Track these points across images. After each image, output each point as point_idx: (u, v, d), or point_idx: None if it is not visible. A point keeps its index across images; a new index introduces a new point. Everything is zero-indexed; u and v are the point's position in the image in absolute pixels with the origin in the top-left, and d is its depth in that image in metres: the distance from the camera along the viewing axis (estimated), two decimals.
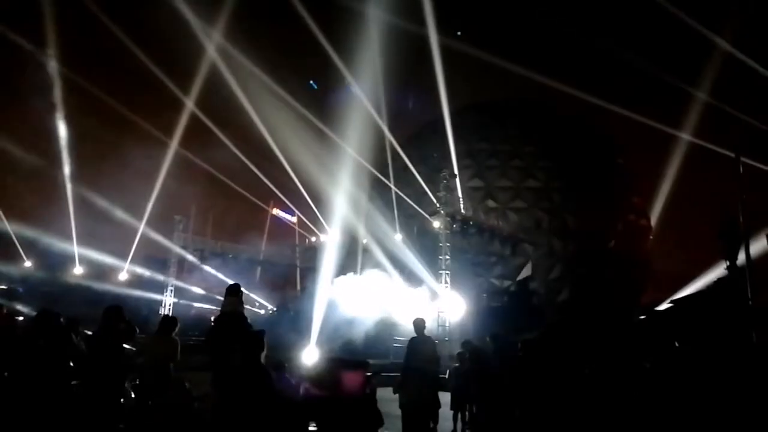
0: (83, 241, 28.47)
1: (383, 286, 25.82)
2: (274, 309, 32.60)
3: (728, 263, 14.14)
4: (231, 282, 6.47)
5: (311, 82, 28.50)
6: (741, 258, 13.89)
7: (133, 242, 29.12)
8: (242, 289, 6.28)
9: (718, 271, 17.25)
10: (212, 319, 31.01)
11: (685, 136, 27.91)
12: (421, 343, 7.80)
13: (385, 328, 23.37)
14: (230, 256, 31.05)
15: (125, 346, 6.40)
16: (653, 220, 33.97)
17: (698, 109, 26.76)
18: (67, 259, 29.01)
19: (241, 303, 6.15)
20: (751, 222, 13.59)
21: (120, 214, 28.02)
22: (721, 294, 15.14)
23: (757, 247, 14.65)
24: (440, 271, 24.64)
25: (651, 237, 34.70)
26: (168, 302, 27.88)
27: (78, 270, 29.42)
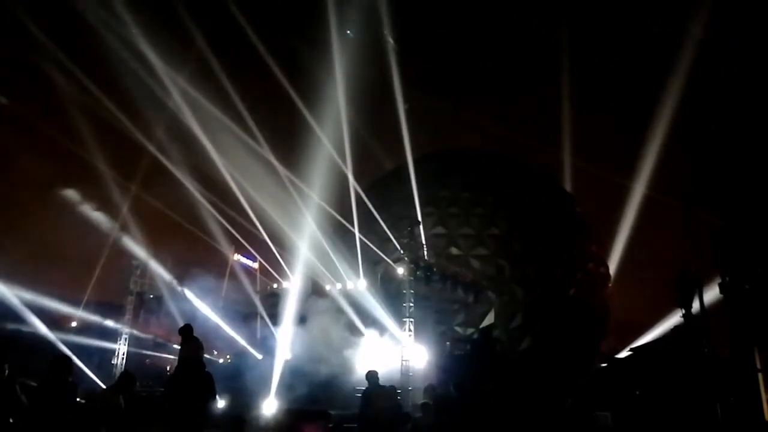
0: (31, 285, 27.25)
1: (345, 334, 25.48)
2: (233, 357, 31.68)
3: (684, 311, 14.46)
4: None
5: (348, 32, 28.04)
6: (695, 306, 14.25)
7: (86, 287, 28.12)
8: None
9: (675, 318, 17.67)
10: (168, 369, 29.96)
11: (641, 187, 28.95)
12: (375, 393, 7.70)
13: (347, 377, 22.92)
14: (189, 302, 30.23)
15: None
16: (611, 269, 34.70)
17: (652, 160, 27.90)
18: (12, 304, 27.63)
19: (201, 346, 5.94)
20: (704, 271, 14.03)
21: (73, 258, 27.09)
22: (678, 342, 15.43)
23: (710, 295, 15.10)
24: (404, 319, 24.47)
25: (609, 285, 35.36)
26: (121, 351, 26.78)
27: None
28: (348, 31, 28.13)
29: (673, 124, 26.17)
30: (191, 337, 5.91)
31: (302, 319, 26.97)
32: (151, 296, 29.18)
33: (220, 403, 16.52)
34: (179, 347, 6.01)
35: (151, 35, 25.24)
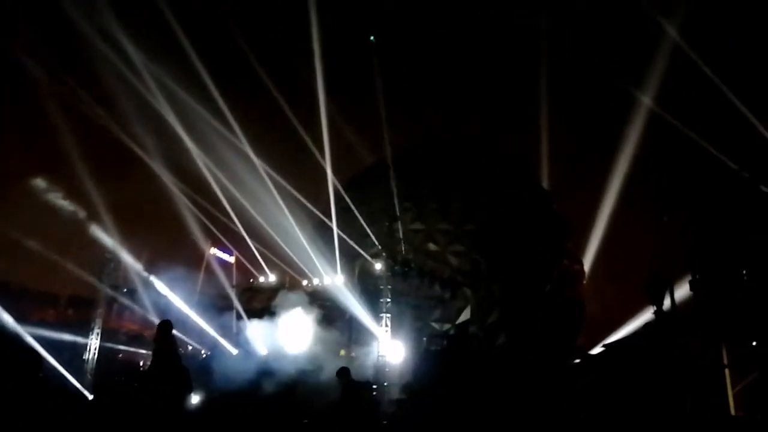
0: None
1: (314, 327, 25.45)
2: (208, 352, 31.38)
3: (655, 308, 14.73)
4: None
5: (371, 37, 27.68)
6: (667, 303, 14.53)
7: (57, 280, 27.55)
8: (174, 330, 6.01)
9: (647, 315, 17.99)
10: (141, 364, 29.54)
11: (616, 184, 29.33)
12: (350, 389, 7.76)
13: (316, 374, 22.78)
14: (164, 296, 29.78)
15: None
16: (586, 266, 35.18)
17: (628, 157, 28.26)
18: None
19: (175, 341, 5.93)
20: (676, 268, 14.29)
21: (44, 250, 26.45)
22: (650, 338, 15.72)
23: (681, 292, 15.39)
24: (381, 314, 24.51)
25: (584, 282, 35.86)
26: (93, 345, 26.31)
27: None
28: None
29: (651, 121, 26.54)
30: (169, 333, 5.87)
31: (272, 314, 26.82)
32: (125, 290, 28.70)
33: (195, 398, 16.37)
34: (154, 341, 5.95)
35: (128, 25, 24.80)
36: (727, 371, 14.52)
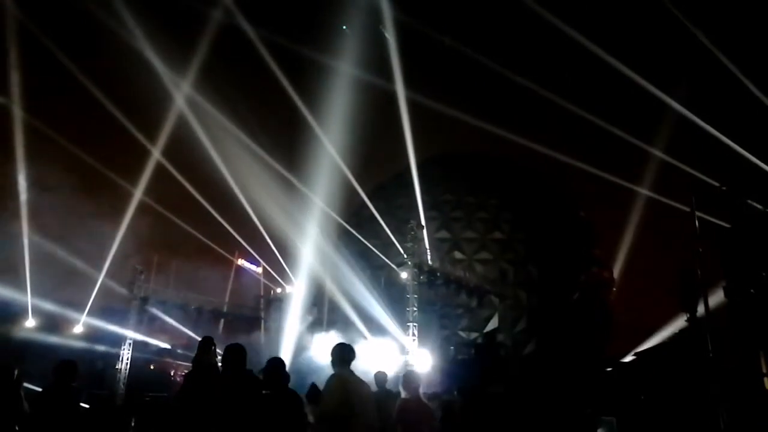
0: (37, 291, 27.25)
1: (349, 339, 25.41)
2: None
3: (688, 315, 14.41)
4: (192, 334, 6.29)
5: (344, 26, 27.04)
6: (700, 310, 14.20)
7: (90, 293, 28.09)
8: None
9: (679, 323, 17.59)
10: (172, 374, 29.87)
11: (644, 191, 28.84)
12: (382, 398, 7.64)
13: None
14: (193, 307, 30.19)
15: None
16: (615, 273, 34.59)
17: (655, 164, 27.76)
18: (19, 311, 27.65)
19: (215, 355, 6.07)
20: (709, 275, 13.97)
21: (78, 263, 27.07)
22: (682, 346, 15.39)
23: (715, 299, 15.05)
24: (408, 323, 24.43)
25: (614, 289, 35.25)
26: (125, 356, 26.76)
27: (30, 322, 28.11)
28: (344, 26, 27.52)
29: (679, 125, 26.05)
30: (209, 349, 6.04)
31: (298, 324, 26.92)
32: (155, 301, 29.13)
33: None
34: (196, 354, 6.08)
35: (156, 40, 25.39)
36: (766, 380, 14.12)
